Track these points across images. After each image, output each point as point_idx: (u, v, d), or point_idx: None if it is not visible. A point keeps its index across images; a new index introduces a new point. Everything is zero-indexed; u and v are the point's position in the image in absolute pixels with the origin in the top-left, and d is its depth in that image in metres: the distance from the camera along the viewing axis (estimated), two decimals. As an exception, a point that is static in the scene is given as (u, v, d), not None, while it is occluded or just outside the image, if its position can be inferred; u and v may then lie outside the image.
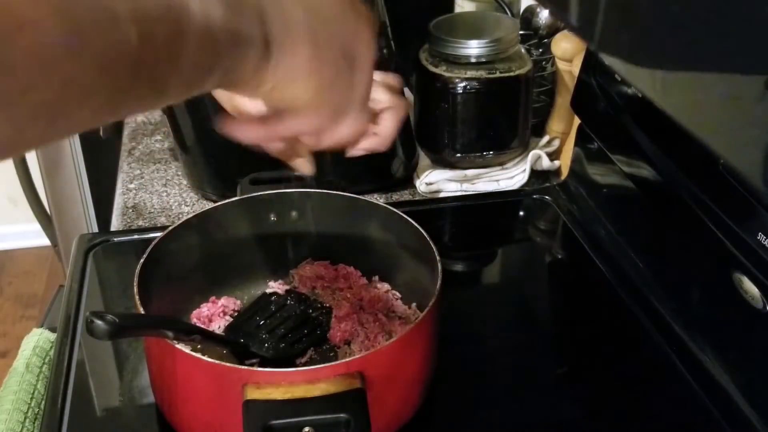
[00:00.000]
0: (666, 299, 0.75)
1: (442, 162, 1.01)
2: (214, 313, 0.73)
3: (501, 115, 0.98)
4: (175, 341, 0.59)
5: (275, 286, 0.76)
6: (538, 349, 0.76)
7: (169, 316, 0.69)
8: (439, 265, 0.65)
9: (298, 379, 0.56)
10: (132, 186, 1.02)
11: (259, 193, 0.75)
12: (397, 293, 0.75)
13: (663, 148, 0.73)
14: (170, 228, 0.70)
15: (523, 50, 0.98)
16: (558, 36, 1.00)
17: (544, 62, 1.04)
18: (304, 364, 0.69)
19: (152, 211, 0.97)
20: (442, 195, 0.99)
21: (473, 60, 0.94)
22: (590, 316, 0.79)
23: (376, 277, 0.76)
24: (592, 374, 0.73)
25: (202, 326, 0.71)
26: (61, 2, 0.33)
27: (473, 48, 0.94)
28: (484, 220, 0.96)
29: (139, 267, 0.65)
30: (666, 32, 0.50)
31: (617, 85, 0.81)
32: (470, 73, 0.94)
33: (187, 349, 0.58)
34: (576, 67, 0.92)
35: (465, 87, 0.94)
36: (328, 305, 0.74)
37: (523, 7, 1.08)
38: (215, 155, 0.95)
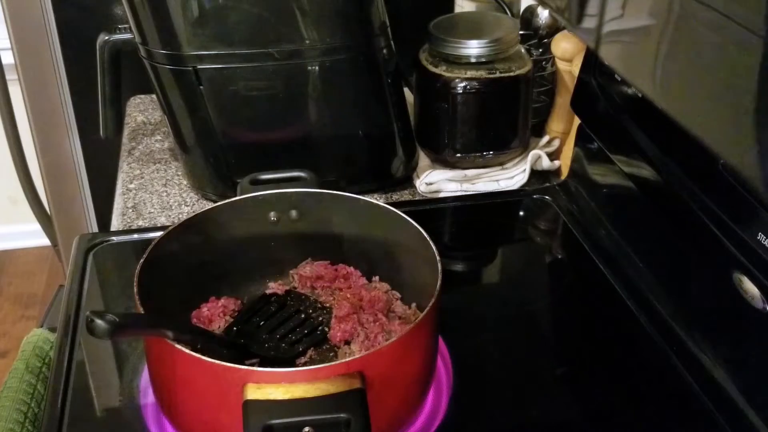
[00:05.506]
0: (666, 299, 0.75)
1: (442, 162, 1.01)
2: (214, 313, 0.73)
3: (501, 115, 0.98)
4: (175, 341, 0.59)
5: (275, 287, 0.76)
6: (538, 349, 0.76)
7: (169, 316, 0.69)
8: (439, 265, 0.65)
9: (298, 379, 0.56)
10: (132, 186, 1.02)
11: (259, 193, 0.75)
12: (397, 293, 0.75)
13: (663, 148, 0.73)
14: (170, 228, 0.70)
15: (523, 50, 0.98)
16: (558, 36, 1.00)
17: (544, 62, 1.04)
18: (304, 364, 0.69)
19: (152, 211, 0.97)
20: (442, 195, 0.99)
21: (473, 60, 0.94)
22: (590, 316, 0.79)
23: (376, 277, 0.76)
24: (592, 374, 0.73)
25: (202, 326, 0.71)
26: None
27: (473, 48, 0.94)
28: (484, 220, 0.96)
29: (139, 267, 0.65)
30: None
31: (617, 85, 0.81)
32: (470, 73, 0.94)
33: (187, 349, 0.58)
34: (576, 67, 0.92)
35: (465, 87, 0.94)
36: (328, 305, 0.74)
37: (523, 7, 1.08)
38: (215, 155, 0.95)
